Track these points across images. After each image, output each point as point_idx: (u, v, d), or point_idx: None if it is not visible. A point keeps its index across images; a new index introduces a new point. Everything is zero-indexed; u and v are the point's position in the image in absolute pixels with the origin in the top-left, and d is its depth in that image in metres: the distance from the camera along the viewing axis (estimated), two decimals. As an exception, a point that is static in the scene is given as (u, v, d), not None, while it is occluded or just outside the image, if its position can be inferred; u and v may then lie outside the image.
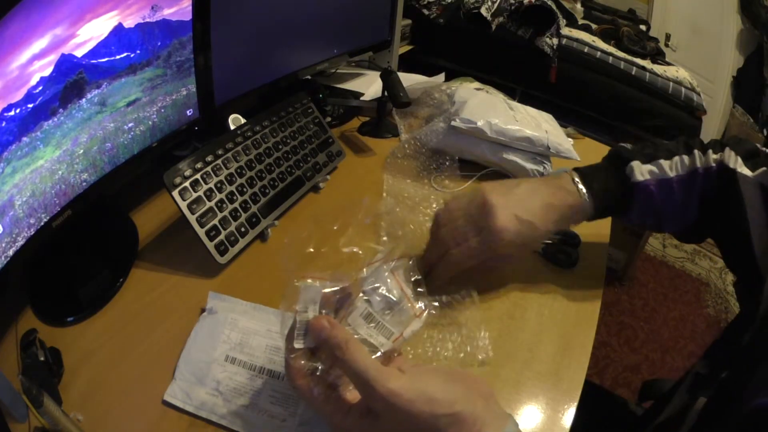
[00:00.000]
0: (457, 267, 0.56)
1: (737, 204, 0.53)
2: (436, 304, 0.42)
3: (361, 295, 0.41)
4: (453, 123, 0.82)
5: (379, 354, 0.39)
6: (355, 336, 0.39)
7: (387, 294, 0.40)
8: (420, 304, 0.41)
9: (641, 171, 0.58)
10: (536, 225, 0.55)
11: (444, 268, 0.56)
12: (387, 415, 0.36)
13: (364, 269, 0.42)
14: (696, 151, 0.57)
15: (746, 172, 0.54)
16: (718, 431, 0.43)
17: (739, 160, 0.55)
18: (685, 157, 0.58)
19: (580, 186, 0.58)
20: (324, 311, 0.40)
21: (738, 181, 0.53)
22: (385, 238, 0.66)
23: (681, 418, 0.47)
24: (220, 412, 0.46)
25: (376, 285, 0.41)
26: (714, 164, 0.56)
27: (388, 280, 0.41)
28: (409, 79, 1.03)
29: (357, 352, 0.36)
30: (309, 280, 0.41)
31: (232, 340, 0.52)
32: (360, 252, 0.44)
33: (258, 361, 0.50)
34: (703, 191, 0.57)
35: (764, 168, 0.53)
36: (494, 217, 0.54)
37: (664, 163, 0.58)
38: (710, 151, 0.57)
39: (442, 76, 1.16)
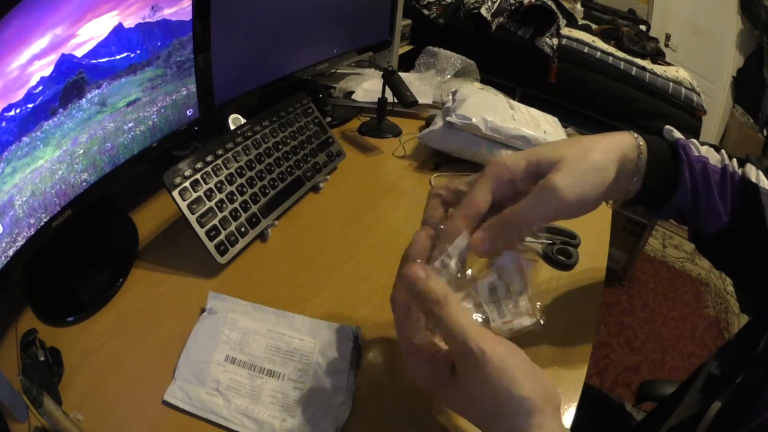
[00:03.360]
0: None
1: (759, 219, 0.47)
2: (544, 319, 0.42)
3: (494, 267, 0.41)
4: (448, 119, 0.83)
5: (482, 320, 0.40)
6: (472, 300, 0.40)
7: (515, 281, 0.41)
8: (534, 307, 0.42)
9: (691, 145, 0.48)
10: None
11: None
12: (468, 375, 0.35)
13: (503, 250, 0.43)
14: (723, 151, 0.50)
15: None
16: None
17: (761, 174, 0.49)
18: (713, 151, 0.49)
19: (640, 141, 0.46)
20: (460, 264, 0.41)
21: (760, 194, 0.47)
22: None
23: (694, 423, 0.46)
24: (220, 412, 0.46)
25: (509, 267, 0.41)
26: (738, 175, 0.49)
27: (520, 273, 0.42)
28: (409, 80, 1.03)
29: (457, 309, 0.36)
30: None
31: (232, 340, 0.52)
32: None
33: (258, 361, 0.50)
34: (733, 198, 0.48)
35: None
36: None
37: (701, 145, 0.48)
38: (734, 160, 0.50)
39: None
